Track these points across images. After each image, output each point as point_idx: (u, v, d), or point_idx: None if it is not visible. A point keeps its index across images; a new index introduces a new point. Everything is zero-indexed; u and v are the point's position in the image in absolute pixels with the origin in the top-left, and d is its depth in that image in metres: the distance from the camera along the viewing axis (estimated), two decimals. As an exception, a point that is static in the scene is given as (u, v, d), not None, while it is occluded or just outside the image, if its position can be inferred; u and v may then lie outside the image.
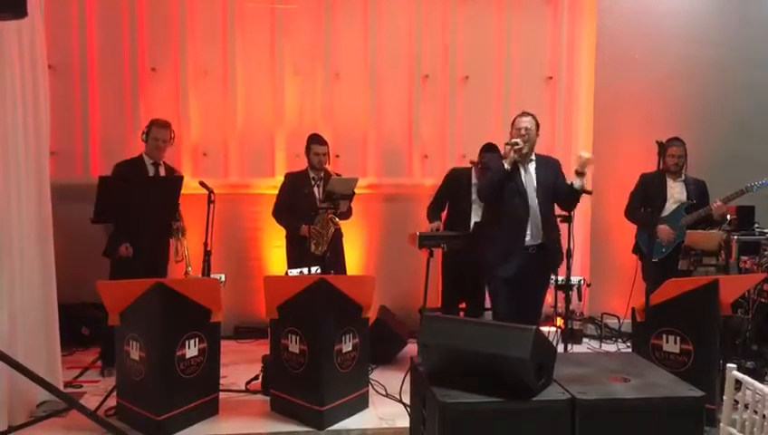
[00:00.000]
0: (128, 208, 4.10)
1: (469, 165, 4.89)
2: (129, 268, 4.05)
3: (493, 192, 3.93)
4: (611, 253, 5.57)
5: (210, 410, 3.73)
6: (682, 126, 5.21)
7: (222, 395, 3.87)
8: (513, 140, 3.84)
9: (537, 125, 3.95)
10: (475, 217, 4.70)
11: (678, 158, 4.76)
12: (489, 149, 4.72)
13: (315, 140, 4.80)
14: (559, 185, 3.97)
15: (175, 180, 4.36)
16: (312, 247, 4.47)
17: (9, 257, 3.50)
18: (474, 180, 4.78)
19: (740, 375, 2.51)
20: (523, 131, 3.88)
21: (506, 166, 3.84)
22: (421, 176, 5.66)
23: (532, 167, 3.96)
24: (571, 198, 3.93)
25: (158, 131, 4.38)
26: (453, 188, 4.87)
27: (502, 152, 3.93)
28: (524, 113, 3.98)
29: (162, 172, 4.48)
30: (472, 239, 4.46)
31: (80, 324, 4.98)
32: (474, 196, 4.73)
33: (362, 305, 3.85)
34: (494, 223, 4.00)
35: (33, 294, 3.73)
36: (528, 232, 3.87)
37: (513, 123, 4.00)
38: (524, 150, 3.86)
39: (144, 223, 4.17)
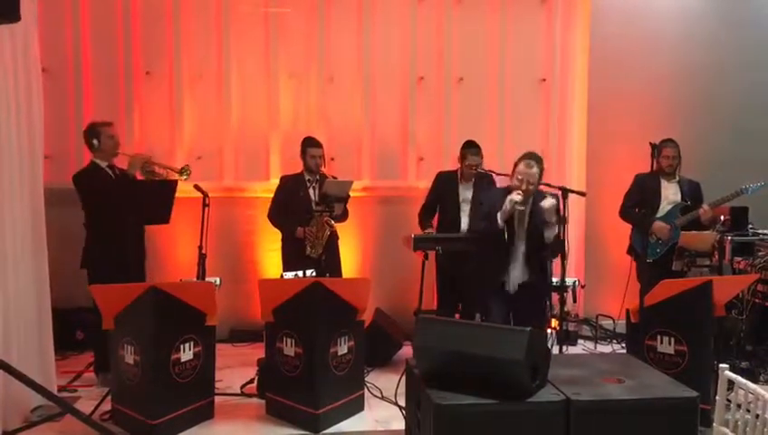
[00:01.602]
0: (120, 212, 4.09)
1: (455, 169, 4.90)
2: (110, 273, 3.88)
3: (486, 237, 3.87)
4: (606, 254, 5.59)
5: (205, 413, 3.72)
6: (676, 127, 5.22)
7: (217, 399, 3.87)
8: (514, 198, 3.64)
9: (542, 169, 3.73)
10: (465, 219, 4.71)
11: (672, 159, 4.77)
12: (469, 145, 4.74)
13: (311, 142, 4.80)
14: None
15: (170, 184, 4.35)
16: (308, 250, 4.48)
17: (3, 261, 3.49)
18: (459, 181, 4.80)
19: (732, 375, 2.52)
20: (524, 186, 3.69)
21: (500, 223, 3.69)
22: (416, 178, 5.64)
23: (526, 210, 3.81)
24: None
25: (110, 130, 4.29)
26: (441, 192, 4.88)
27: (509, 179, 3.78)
28: (530, 161, 3.72)
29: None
30: (466, 241, 4.46)
31: (74, 329, 4.96)
32: (462, 197, 4.74)
33: (358, 308, 3.86)
34: (486, 245, 3.96)
35: (26, 298, 3.72)
36: (511, 274, 3.83)
37: (516, 165, 3.76)
38: (523, 206, 3.71)
39: (131, 226, 4.13)
